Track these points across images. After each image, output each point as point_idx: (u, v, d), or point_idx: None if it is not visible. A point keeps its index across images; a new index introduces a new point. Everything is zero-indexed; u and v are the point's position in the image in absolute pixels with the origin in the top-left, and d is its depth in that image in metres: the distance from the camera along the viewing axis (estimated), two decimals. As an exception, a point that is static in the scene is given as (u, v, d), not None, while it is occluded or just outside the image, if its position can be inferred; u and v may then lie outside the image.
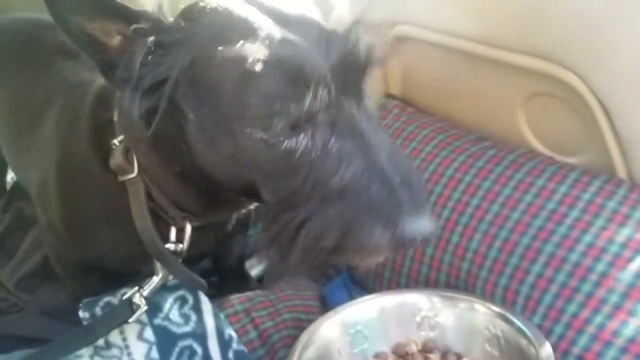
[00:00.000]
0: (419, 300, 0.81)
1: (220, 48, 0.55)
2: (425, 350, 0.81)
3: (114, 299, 0.87)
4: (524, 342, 0.72)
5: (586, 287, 0.73)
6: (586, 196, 0.79)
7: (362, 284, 0.98)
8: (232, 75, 0.55)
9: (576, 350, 0.71)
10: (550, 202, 0.81)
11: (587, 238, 0.76)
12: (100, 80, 0.77)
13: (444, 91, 1.03)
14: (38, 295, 0.96)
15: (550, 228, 0.79)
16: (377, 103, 1.11)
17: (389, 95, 1.11)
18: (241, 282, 1.03)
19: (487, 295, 0.81)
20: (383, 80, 1.11)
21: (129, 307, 0.75)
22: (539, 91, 0.88)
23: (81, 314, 0.86)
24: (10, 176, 1.31)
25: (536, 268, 0.77)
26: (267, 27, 0.57)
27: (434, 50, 0.98)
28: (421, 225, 0.54)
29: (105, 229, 0.78)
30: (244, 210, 0.79)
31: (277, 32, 0.56)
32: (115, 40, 0.57)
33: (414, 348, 0.81)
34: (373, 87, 1.13)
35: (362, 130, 0.56)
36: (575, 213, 0.79)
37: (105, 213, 0.76)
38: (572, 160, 0.88)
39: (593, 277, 0.73)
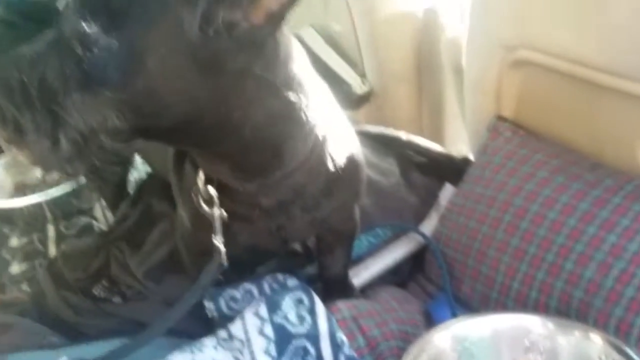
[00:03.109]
0: (533, 324, 0.83)
1: None
2: (532, 373, 0.82)
3: (237, 293, 0.94)
4: (638, 374, 0.72)
5: None
6: None
7: (467, 304, 1.00)
8: None
9: (695, 386, 0.70)
10: (672, 235, 0.80)
11: None
12: None
13: (559, 117, 1.04)
14: (163, 285, 1.05)
15: (671, 262, 0.78)
16: (488, 124, 1.13)
17: (501, 118, 1.12)
18: (344, 290, 1.08)
19: (599, 325, 0.82)
20: (495, 101, 1.12)
21: None
22: (661, 122, 0.88)
23: (206, 303, 0.94)
24: (135, 175, 1.42)
25: (655, 301, 0.77)
26: None
27: (552, 76, 0.98)
28: None
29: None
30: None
31: None
32: None
33: (520, 369, 0.83)
34: (484, 107, 1.16)
35: None
36: (699, 249, 0.78)
37: None
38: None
39: None
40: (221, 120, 0.62)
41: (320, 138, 0.73)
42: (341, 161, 0.78)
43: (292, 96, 0.65)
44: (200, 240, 0.82)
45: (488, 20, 1.04)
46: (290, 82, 0.65)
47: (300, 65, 0.67)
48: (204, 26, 0.55)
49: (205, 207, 0.75)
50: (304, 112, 0.68)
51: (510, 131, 1.08)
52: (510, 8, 0.98)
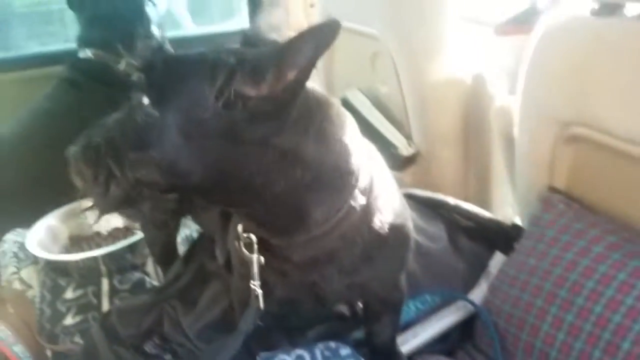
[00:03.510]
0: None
1: None
2: None
3: (289, 358, 0.95)
4: None
5: None
6: None
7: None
8: None
9: None
10: None
11: None
12: None
13: (613, 192, 1.03)
14: (215, 345, 1.06)
15: None
16: (540, 195, 1.13)
17: (553, 190, 1.12)
18: (392, 358, 1.07)
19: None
20: (548, 173, 1.13)
21: None
22: None
23: (257, 367, 0.95)
24: (186, 232, 1.46)
25: None
26: None
27: (608, 152, 0.99)
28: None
29: None
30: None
31: None
32: None
33: None
34: (536, 178, 1.17)
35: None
36: None
37: None
38: None
39: None
40: (243, 184, 0.67)
41: (357, 206, 0.74)
42: (385, 230, 0.80)
43: (319, 166, 0.69)
44: (244, 290, 0.84)
45: (543, 95, 1.06)
46: (320, 152, 0.69)
47: (336, 132, 0.71)
48: (220, 98, 0.63)
49: (245, 251, 0.78)
50: (334, 181, 0.71)
51: (563, 204, 1.08)
52: (567, 86, 1.00)
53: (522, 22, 2.43)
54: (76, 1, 1.81)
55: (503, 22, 2.39)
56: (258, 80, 0.62)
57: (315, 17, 1.88)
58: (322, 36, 0.59)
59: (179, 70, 0.65)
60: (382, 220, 0.79)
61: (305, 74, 0.61)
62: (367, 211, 0.76)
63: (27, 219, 1.57)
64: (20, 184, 1.67)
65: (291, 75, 0.61)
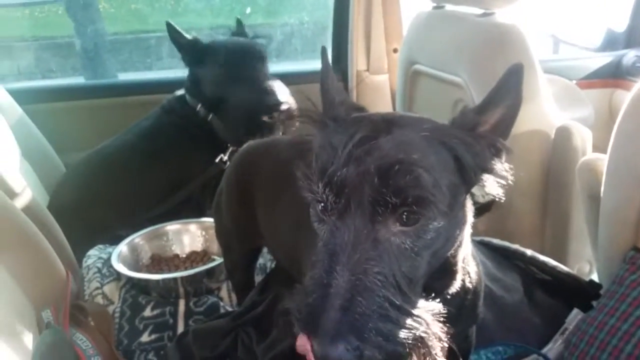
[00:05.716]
0: None
1: None
2: None
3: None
4: None
5: None
6: None
7: None
8: None
9: None
10: None
11: None
12: None
13: None
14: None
15: None
16: (625, 255, 1.11)
17: (638, 250, 1.10)
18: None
19: None
20: (634, 232, 1.10)
21: None
22: None
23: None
24: (260, 262, 1.50)
25: None
26: None
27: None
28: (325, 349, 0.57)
29: None
30: None
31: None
32: None
33: None
34: (621, 237, 1.14)
35: (334, 244, 0.61)
36: None
37: None
38: None
39: None
40: None
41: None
42: (470, 289, 0.85)
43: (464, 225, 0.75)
44: None
45: (635, 156, 1.04)
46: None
47: None
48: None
49: None
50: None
51: (649, 265, 1.06)
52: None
53: (605, 77, 2.41)
54: (189, 59, 1.84)
55: (586, 76, 2.38)
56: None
57: (397, 62, 1.91)
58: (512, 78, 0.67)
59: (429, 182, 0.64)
60: (469, 279, 0.84)
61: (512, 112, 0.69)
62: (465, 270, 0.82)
63: (122, 224, 1.71)
64: (115, 194, 1.78)
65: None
